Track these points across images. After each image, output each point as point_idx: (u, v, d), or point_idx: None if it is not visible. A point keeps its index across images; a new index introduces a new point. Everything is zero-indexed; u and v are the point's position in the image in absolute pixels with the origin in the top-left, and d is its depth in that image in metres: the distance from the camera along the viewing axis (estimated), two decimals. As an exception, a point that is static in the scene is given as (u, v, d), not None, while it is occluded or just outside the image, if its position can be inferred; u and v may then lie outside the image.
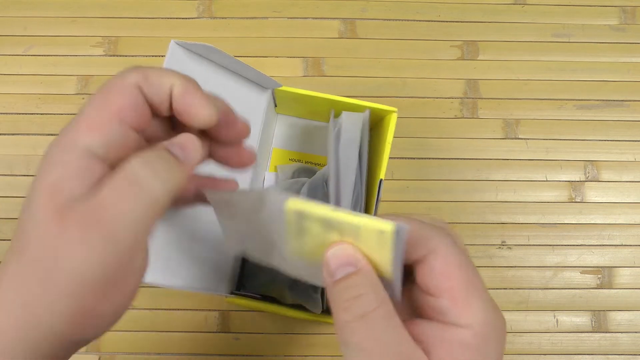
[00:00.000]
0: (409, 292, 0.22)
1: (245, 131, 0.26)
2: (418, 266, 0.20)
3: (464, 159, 0.49)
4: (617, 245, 0.48)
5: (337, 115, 0.43)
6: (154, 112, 0.22)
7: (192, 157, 0.22)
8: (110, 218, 0.19)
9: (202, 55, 0.35)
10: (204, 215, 0.30)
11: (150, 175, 0.20)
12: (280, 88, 0.40)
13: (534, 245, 0.48)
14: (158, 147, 0.21)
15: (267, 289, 0.40)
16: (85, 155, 0.19)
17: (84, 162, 0.19)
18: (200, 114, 0.22)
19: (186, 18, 0.51)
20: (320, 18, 0.51)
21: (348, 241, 0.20)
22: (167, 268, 0.32)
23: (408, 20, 0.51)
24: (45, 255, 0.18)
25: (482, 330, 0.19)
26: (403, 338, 0.19)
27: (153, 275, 0.32)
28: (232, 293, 0.38)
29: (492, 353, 0.19)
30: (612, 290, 0.47)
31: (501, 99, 0.50)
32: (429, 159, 0.49)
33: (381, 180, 0.38)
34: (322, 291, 0.38)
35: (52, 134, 0.48)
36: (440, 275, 0.20)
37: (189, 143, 0.22)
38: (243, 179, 0.39)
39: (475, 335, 0.19)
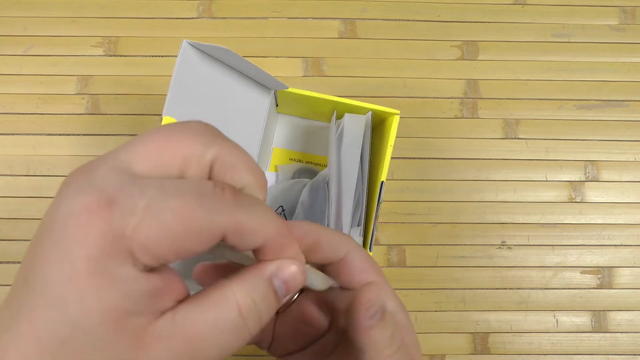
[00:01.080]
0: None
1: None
2: (339, 265, 0.23)
3: (464, 159, 0.49)
4: (617, 245, 0.48)
5: (339, 116, 0.43)
6: None
7: (291, 294, 0.20)
8: (200, 351, 0.17)
9: (212, 55, 0.35)
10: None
11: (253, 319, 0.18)
12: (282, 89, 0.40)
13: (534, 245, 0.48)
14: (261, 279, 0.19)
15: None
16: (146, 275, 0.17)
17: (149, 279, 0.17)
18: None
19: (186, 18, 0.51)
20: (320, 18, 0.51)
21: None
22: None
23: (408, 20, 0.51)
24: None
25: (406, 311, 0.24)
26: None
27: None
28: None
29: (413, 329, 0.24)
30: (612, 290, 0.47)
31: (501, 99, 0.50)
32: (429, 159, 0.49)
33: (382, 182, 0.38)
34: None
35: (52, 134, 0.48)
36: (362, 270, 0.23)
37: (295, 278, 0.20)
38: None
39: (408, 317, 0.24)
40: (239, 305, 0.18)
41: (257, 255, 0.20)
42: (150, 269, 0.17)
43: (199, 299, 0.18)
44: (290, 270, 0.19)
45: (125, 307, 0.16)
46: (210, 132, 0.18)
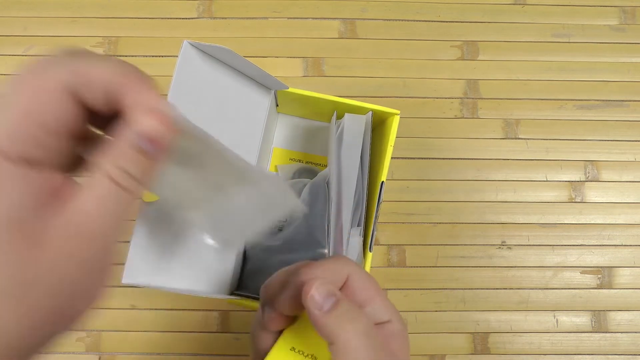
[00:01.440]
0: None
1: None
2: (343, 288, 0.25)
3: (464, 159, 0.49)
4: (617, 245, 0.48)
5: (339, 116, 0.43)
6: (89, 112, 0.20)
7: (164, 148, 0.20)
8: (91, 227, 0.18)
9: (213, 55, 0.35)
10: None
11: (130, 183, 0.19)
12: (282, 89, 0.40)
13: (534, 245, 0.48)
14: (123, 145, 0.19)
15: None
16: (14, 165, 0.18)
17: (17, 172, 0.18)
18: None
19: (186, 18, 0.51)
20: (320, 18, 0.51)
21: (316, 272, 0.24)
22: (167, 272, 0.32)
23: (408, 20, 0.51)
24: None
25: (402, 321, 0.25)
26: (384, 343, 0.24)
27: (153, 279, 0.32)
28: (232, 294, 0.38)
29: (408, 338, 0.25)
30: (612, 290, 0.47)
31: (501, 99, 0.50)
32: (429, 159, 0.49)
33: (382, 182, 0.38)
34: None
35: (52, 134, 0.48)
36: (363, 290, 0.25)
37: (157, 131, 0.19)
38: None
39: (402, 326, 0.25)
40: (109, 175, 0.18)
41: (122, 115, 0.20)
42: (35, 161, 0.18)
43: (81, 187, 0.19)
44: (148, 125, 0.19)
45: (14, 216, 0.17)
46: (61, 65, 0.19)
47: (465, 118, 0.49)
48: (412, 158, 0.49)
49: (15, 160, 0.17)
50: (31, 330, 0.17)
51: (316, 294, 0.22)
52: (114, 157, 0.19)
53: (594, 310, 0.47)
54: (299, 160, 0.47)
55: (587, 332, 0.46)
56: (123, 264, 0.30)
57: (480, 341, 0.46)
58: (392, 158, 0.48)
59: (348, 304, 0.23)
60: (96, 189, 0.18)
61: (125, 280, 0.30)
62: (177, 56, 0.33)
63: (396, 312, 0.25)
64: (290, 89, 0.39)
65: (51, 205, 0.18)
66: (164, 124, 0.19)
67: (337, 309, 0.22)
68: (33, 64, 0.19)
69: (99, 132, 0.22)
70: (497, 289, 0.47)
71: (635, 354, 0.46)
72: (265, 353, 0.25)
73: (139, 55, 0.50)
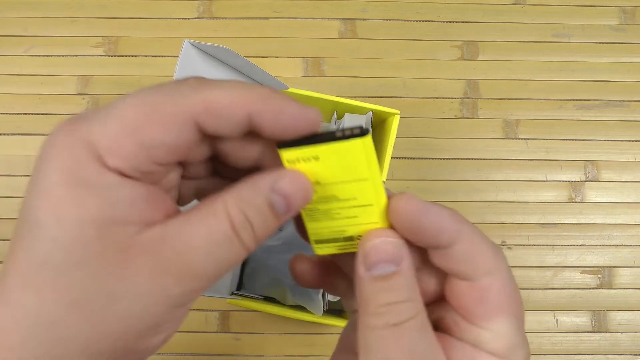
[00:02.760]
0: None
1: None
2: (445, 254, 0.18)
3: (464, 159, 0.49)
4: (617, 245, 0.48)
5: (339, 116, 0.43)
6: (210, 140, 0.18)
7: (294, 210, 0.17)
8: (194, 271, 0.16)
9: (214, 56, 0.35)
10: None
11: (247, 234, 0.16)
12: (283, 89, 0.40)
13: (534, 245, 0.48)
14: (255, 191, 0.17)
15: (268, 290, 0.40)
16: (123, 180, 0.16)
17: (128, 185, 0.16)
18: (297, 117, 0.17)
19: (186, 18, 0.51)
20: (320, 18, 0.51)
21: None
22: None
23: (408, 20, 0.51)
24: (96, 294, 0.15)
25: (526, 349, 0.18)
26: (435, 353, 0.18)
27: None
28: (232, 294, 0.38)
29: None
30: (612, 290, 0.47)
31: (501, 99, 0.50)
32: (429, 159, 0.49)
33: (382, 182, 0.38)
34: (323, 293, 0.38)
35: (52, 134, 0.48)
36: (471, 261, 0.18)
37: (296, 192, 0.17)
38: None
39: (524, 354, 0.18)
40: (231, 218, 0.16)
41: (261, 163, 0.18)
42: (134, 178, 0.16)
43: (191, 212, 0.16)
44: (289, 183, 0.17)
45: (107, 215, 0.15)
46: (192, 95, 0.17)
47: (465, 118, 0.49)
48: (412, 158, 0.49)
49: (113, 169, 0.15)
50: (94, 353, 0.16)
51: (373, 252, 0.18)
52: (241, 200, 0.16)
53: (594, 310, 0.47)
54: (299, 160, 0.47)
55: (587, 332, 0.46)
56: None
57: (480, 341, 0.46)
58: (392, 158, 0.48)
59: (411, 291, 0.18)
60: (211, 226, 0.16)
61: None
62: (177, 56, 0.33)
63: (520, 353, 0.18)
64: (291, 89, 0.39)
65: (150, 215, 0.16)
66: (303, 188, 0.17)
67: (387, 282, 0.18)
68: (160, 86, 0.16)
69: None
70: (497, 289, 0.47)
71: (635, 354, 0.46)
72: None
73: (139, 55, 0.50)
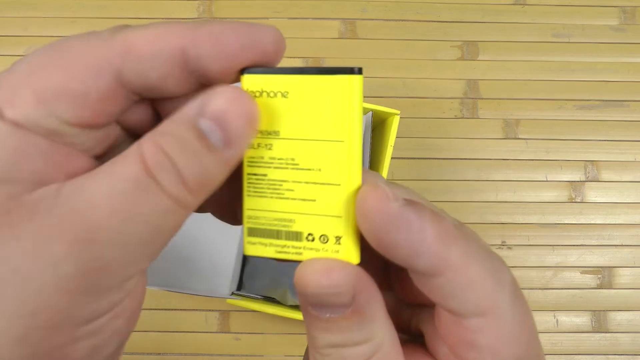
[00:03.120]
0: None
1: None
2: (433, 282, 0.13)
3: (464, 159, 0.49)
4: (617, 245, 0.48)
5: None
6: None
7: (235, 141, 0.13)
8: (93, 234, 0.12)
9: None
10: (204, 217, 0.30)
11: (167, 175, 0.12)
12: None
13: (534, 245, 0.48)
14: (180, 119, 0.13)
15: (268, 290, 0.40)
16: (20, 130, 0.12)
17: (24, 136, 0.12)
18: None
19: (186, 18, 0.51)
20: (320, 18, 0.51)
21: None
22: (167, 271, 0.32)
23: (408, 20, 0.51)
24: None
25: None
26: None
27: (154, 280, 0.32)
28: (232, 294, 0.38)
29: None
30: (612, 290, 0.47)
31: (501, 99, 0.50)
32: (429, 159, 0.49)
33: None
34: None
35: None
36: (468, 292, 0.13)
37: (235, 111, 0.13)
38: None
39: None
40: (143, 156, 0.12)
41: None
42: (39, 132, 0.12)
43: (100, 167, 0.13)
44: (222, 103, 0.12)
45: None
46: (112, 42, 0.13)
47: (465, 118, 0.49)
48: (412, 158, 0.49)
49: (7, 120, 0.12)
50: None
51: (310, 278, 0.13)
52: (158, 134, 0.13)
53: (594, 310, 0.47)
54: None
55: (587, 332, 0.46)
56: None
57: (480, 341, 0.46)
58: (392, 158, 0.48)
59: (368, 331, 0.14)
60: (116, 172, 0.12)
61: None
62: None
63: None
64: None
65: (47, 173, 0.13)
66: (246, 110, 0.13)
67: (339, 323, 0.13)
68: (72, 38, 0.13)
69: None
70: (497, 289, 0.47)
71: (635, 354, 0.46)
72: None
73: (139, 55, 0.50)
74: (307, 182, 0.14)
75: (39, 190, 0.12)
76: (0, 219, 0.12)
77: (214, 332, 0.46)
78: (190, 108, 0.13)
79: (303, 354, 0.45)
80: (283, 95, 0.13)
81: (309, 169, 0.13)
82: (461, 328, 0.13)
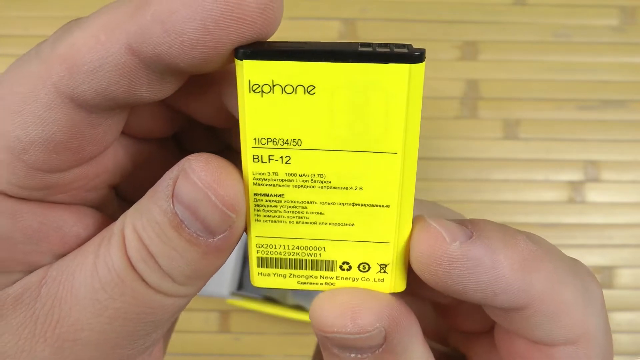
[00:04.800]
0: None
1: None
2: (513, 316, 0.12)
3: (464, 159, 0.49)
4: (617, 245, 0.48)
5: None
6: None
7: (217, 227, 0.11)
8: (77, 335, 0.11)
9: None
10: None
11: (147, 267, 0.11)
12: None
13: (534, 245, 0.48)
14: (155, 202, 0.11)
15: (269, 290, 0.40)
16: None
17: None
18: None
19: (186, 18, 0.51)
20: (320, 18, 0.51)
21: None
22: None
23: (408, 20, 0.51)
24: None
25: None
26: None
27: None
28: (232, 294, 0.38)
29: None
30: (612, 290, 0.47)
31: (501, 99, 0.50)
32: (429, 159, 0.49)
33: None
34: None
35: (52, 134, 0.48)
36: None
37: (202, 200, 0.10)
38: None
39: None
40: (125, 244, 0.11)
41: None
42: (20, 198, 0.11)
43: (86, 244, 0.11)
44: (189, 187, 0.10)
45: None
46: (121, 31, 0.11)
47: (465, 118, 0.49)
48: (412, 158, 0.49)
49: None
50: None
51: (328, 313, 0.11)
52: (137, 215, 0.11)
53: (594, 310, 0.47)
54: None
55: (587, 332, 0.46)
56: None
57: (480, 341, 0.46)
58: (392, 158, 0.48)
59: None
60: (98, 260, 0.11)
61: None
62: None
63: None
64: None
65: (34, 259, 0.11)
66: (224, 196, 0.10)
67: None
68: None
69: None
70: (497, 289, 0.47)
71: (635, 354, 0.46)
72: None
73: (139, 55, 0.50)
74: (342, 204, 0.11)
75: (24, 280, 0.11)
76: None
77: (214, 332, 0.46)
78: (163, 185, 0.10)
79: (303, 354, 0.45)
80: (307, 91, 0.10)
81: (346, 188, 0.11)
82: (544, 356, 0.12)
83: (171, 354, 0.45)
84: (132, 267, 0.10)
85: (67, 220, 0.11)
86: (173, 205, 0.10)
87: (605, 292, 0.48)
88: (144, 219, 0.10)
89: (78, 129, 0.10)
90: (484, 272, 0.10)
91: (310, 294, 0.38)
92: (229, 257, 0.39)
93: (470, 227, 0.11)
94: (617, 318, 0.47)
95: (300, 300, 0.38)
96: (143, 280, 0.11)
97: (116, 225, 0.11)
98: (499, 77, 0.50)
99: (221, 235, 0.11)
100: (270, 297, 0.40)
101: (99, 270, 0.11)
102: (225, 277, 0.37)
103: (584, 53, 0.51)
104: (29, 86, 0.10)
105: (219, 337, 0.46)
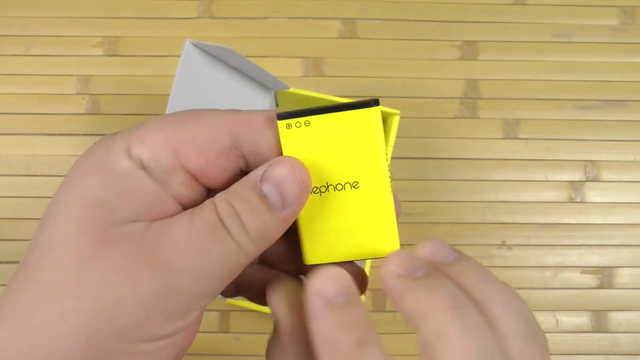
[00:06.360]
0: None
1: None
2: None
3: (464, 159, 0.49)
4: (617, 245, 0.48)
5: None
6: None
7: (292, 200, 0.16)
8: (172, 262, 0.14)
9: (215, 56, 0.35)
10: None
11: (235, 225, 0.15)
12: (283, 89, 0.40)
13: (534, 245, 0.48)
14: (246, 182, 0.16)
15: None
16: (138, 170, 0.15)
17: (139, 177, 0.15)
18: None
19: (186, 18, 0.51)
20: (320, 18, 0.51)
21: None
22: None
23: (408, 20, 0.51)
24: (67, 280, 0.14)
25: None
26: None
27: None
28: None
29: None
30: (612, 290, 0.47)
31: (501, 99, 0.50)
32: (429, 159, 0.49)
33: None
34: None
35: (52, 134, 0.48)
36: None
37: (289, 178, 0.16)
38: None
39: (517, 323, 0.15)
40: (217, 207, 0.15)
41: None
42: (151, 174, 0.16)
43: (182, 213, 0.16)
44: (280, 170, 0.16)
45: (100, 195, 0.15)
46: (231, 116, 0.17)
47: (465, 118, 0.49)
48: (412, 158, 0.49)
49: (134, 157, 0.16)
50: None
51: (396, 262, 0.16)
52: (229, 193, 0.16)
53: (594, 310, 0.47)
54: (299, 160, 0.47)
55: (587, 332, 0.46)
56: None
57: (480, 341, 0.46)
58: (392, 158, 0.48)
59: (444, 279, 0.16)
60: (195, 216, 0.15)
61: None
62: (176, 56, 0.33)
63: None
64: (291, 89, 0.39)
65: (145, 212, 0.15)
66: (297, 174, 0.16)
67: (346, 314, 0.15)
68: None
69: None
70: (497, 289, 0.47)
71: (635, 354, 0.46)
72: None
73: (139, 55, 0.50)
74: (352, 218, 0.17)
75: (132, 223, 0.15)
76: (98, 236, 0.14)
77: (214, 332, 0.46)
78: (255, 174, 0.16)
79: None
80: (320, 142, 0.16)
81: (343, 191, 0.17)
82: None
83: (171, 354, 0.45)
84: (221, 222, 0.15)
85: (168, 199, 0.16)
86: (260, 184, 0.16)
87: (605, 292, 0.48)
88: (234, 195, 0.15)
89: (226, 156, 0.17)
90: (417, 307, 0.15)
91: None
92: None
93: (431, 275, 0.16)
94: (617, 318, 0.47)
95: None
96: (228, 231, 0.15)
97: (205, 202, 0.16)
98: (499, 77, 0.50)
99: (289, 209, 0.16)
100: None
101: (195, 223, 0.15)
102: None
103: (584, 53, 0.51)
104: (212, 116, 0.17)
105: (219, 337, 0.46)
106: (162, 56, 0.50)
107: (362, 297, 0.38)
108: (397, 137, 0.47)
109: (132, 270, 0.14)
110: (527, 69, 0.50)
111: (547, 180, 0.49)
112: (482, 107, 0.50)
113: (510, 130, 0.49)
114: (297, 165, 0.16)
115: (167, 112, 0.31)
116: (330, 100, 0.40)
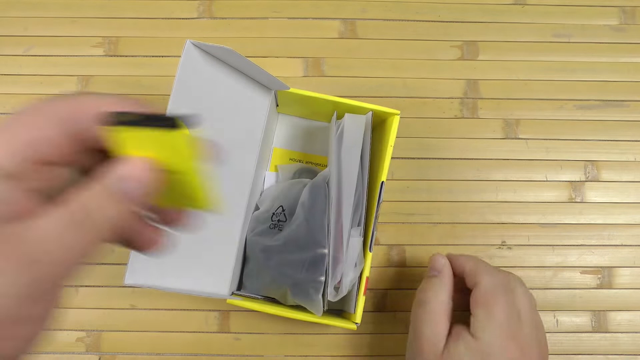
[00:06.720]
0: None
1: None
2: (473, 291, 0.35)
3: (464, 159, 0.49)
4: (617, 245, 0.48)
5: (339, 116, 0.43)
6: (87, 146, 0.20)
7: (135, 193, 0.19)
8: (36, 256, 0.17)
9: (215, 56, 0.35)
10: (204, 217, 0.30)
11: (89, 225, 0.18)
12: (283, 89, 0.40)
13: (534, 245, 0.48)
14: (98, 187, 0.19)
15: (268, 290, 0.40)
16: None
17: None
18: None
19: (186, 18, 0.51)
20: (320, 18, 0.51)
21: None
22: (168, 272, 0.32)
23: (408, 20, 0.51)
24: None
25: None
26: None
27: (155, 280, 0.32)
28: (232, 294, 0.38)
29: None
30: (612, 290, 0.47)
31: (501, 99, 0.50)
32: (429, 159, 0.49)
33: (383, 182, 0.38)
34: (323, 293, 0.38)
35: (52, 134, 0.48)
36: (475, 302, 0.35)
37: (134, 175, 0.19)
38: (244, 179, 0.39)
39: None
40: (69, 204, 0.18)
41: None
42: (15, 178, 0.18)
43: (41, 209, 0.18)
44: (126, 168, 0.19)
45: None
46: (63, 101, 0.20)
47: (465, 118, 0.49)
48: (412, 158, 0.49)
49: None
50: None
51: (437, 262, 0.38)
52: (87, 196, 0.18)
53: (594, 310, 0.47)
54: (299, 160, 0.47)
55: (587, 332, 0.47)
56: (125, 264, 0.30)
57: (480, 341, 0.46)
58: (392, 158, 0.48)
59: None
60: (53, 214, 0.18)
61: (127, 281, 0.31)
62: (177, 56, 0.33)
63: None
64: (291, 89, 0.39)
65: (4, 218, 0.17)
66: (143, 175, 0.19)
67: (432, 280, 0.37)
68: (34, 103, 0.20)
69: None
70: (497, 289, 0.47)
71: (635, 354, 0.46)
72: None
73: (139, 55, 0.50)
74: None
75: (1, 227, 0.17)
76: None
77: (214, 332, 0.46)
78: (104, 172, 0.19)
79: (303, 354, 0.45)
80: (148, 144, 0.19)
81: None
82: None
83: (171, 354, 0.45)
84: (72, 216, 0.18)
85: (27, 196, 0.19)
86: (109, 182, 0.19)
87: (605, 292, 0.48)
88: (90, 198, 0.18)
89: (62, 145, 0.20)
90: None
91: (309, 295, 0.38)
92: (229, 257, 0.39)
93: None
94: (617, 318, 0.47)
95: (299, 300, 0.38)
96: (82, 225, 0.18)
97: (60, 199, 0.18)
98: (499, 77, 0.50)
99: (132, 201, 0.20)
100: (270, 297, 0.40)
101: (52, 221, 0.18)
102: (225, 277, 0.37)
103: (583, 53, 0.51)
104: (47, 108, 0.20)
105: (219, 337, 0.46)
106: (162, 56, 0.50)
107: (362, 297, 0.38)
108: (398, 137, 0.47)
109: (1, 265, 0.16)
110: (527, 69, 0.50)
111: (547, 180, 0.49)
112: (482, 107, 0.50)
113: (510, 130, 0.49)
114: (142, 164, 0.19)
115: (167, 112, 0.31)
116: (330, 100, 0.40)
